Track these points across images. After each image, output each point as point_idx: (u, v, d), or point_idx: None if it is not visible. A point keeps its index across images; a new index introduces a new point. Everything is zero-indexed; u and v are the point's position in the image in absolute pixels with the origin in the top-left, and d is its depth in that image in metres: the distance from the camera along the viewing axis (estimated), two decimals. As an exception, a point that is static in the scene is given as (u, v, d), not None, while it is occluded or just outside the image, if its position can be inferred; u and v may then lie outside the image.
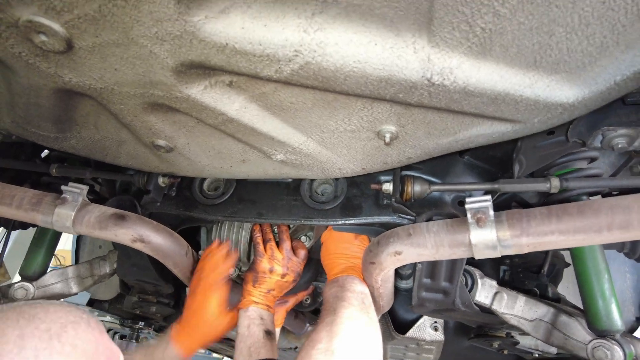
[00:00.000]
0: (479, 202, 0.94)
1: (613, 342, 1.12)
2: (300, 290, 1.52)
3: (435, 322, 1.74)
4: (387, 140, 0.86)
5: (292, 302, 1.47)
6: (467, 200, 0.95)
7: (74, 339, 0.61)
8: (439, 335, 1.75)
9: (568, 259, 1.68)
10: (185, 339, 1.23)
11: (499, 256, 0.96)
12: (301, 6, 0.61)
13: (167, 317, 2.29)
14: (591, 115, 1.02)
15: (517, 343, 1.70)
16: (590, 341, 1.15)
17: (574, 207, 0.91)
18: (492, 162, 1.28)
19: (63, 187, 1.17)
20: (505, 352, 1.86)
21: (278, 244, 1.33)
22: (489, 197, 0.95)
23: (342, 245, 1.28)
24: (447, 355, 2.06)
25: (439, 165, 1.27)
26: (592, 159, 1.23)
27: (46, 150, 1.66)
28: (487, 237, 0.93)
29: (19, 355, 0.55)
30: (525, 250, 0.95)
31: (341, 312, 1.03)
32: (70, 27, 0.66)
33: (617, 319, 1.15)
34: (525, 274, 1.60)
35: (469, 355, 2.10)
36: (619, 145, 1.02)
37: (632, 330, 1.84)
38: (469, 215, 0.94)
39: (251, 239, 1.39)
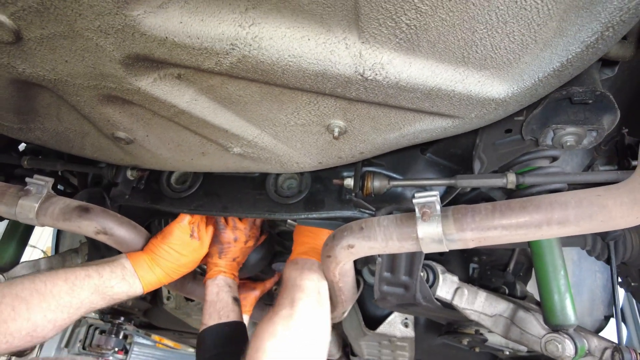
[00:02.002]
0: (426, 197, 0.96)
1: (565, 336, 1.15)
2: (264, 273, 1.56)
3: (406, 319, 1.76)
4: (336, 134, 0.88)
5: (260, 289, 1.51)
6: (416, 195, 0.97)
7: None
8: (410, 332, 1.77)
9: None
10: (147, 271, 1.20)
11: (446, 250, 0.98)
12: (235, 2, 0.64)
13: (146, 311, 2.31)
14: (543, 114, 1.05)
15: (486, 340, 1.73)
16: (544, 335, 1.18)
17: (517, 203, 0.93)
18: (454, 159, 1.31)
19: (27, 180, 1.19)
20: (477, 349, 1.88)
21: None
22: (436, 192, 0.97)
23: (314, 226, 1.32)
24: (421, 352, 2.09)
25: (401, 162, 1.29)
26: (554, 158, 1.26)
27: (23, 144, 1.68)
28: (433, 231, 0.95)
29: None
30: (471, 245, 0.97)
31: (298, 305, 1.07)
32: (17, 18, 0.69)
33: (571, 314, 1.17)
34: (493, 271, 1.63)
35: (443, 353, 2.12)
36: (568, 143, 1.05)
37: (601, 327, 1.87)
38: (416, 210, 0.97)
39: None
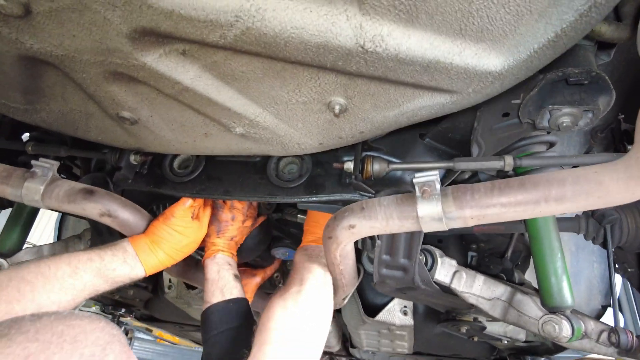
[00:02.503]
0: (426, 176, 0.98)
1: (562, 317, 1.16)
2: (264, 259, 1.58)
3: (405, 306, 1.78)
4: (337, 111, 0.90)
5: (260, 276, 1.53)
6: (416, 175, 0.99)
7: None
8: (408, 320, 1.79)
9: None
10: (149, 253, 1.22)
11: (446, 229, 1.00)
12: (239, -27, 0.65)
13: (147, 302, 2.33)
14: (539, 95, 1.07)
15: (484, 328, 1.75)
16: (541, 317, 1.19)
17: (515, 181, 0.95)
18: (452, 144, 1.33)
19: (33, 162, 1.21)
20: (476, 338, 1.90)
21: None
22: (435, 172, 0.99)
23: (323, 215, 1.36)
24: (420, 343, 2.10)
25: (400, 147, 1.31)
26: (551, 144, 1.28)
27: (27, 134, 1.70)
28: (433, 210, 0.97)
29: None
30: (471, 223, 0.99)
31: (306, 284, 1.16)
32: (27, -9, 0.71)
33: (567, 296, 1.19)
34: (491, 258, 1.64)
35: (441, 343, 2.14)
36: (564, 124, 1.07)
37: (598, 317, 1.89)
38: (416, 189, 0.98)
39: None
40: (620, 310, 2.05)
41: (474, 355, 2.31)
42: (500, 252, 1.66)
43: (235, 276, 1.30)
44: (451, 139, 1.32)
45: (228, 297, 1.22)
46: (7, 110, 1.11)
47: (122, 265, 1.18)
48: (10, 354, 0.52)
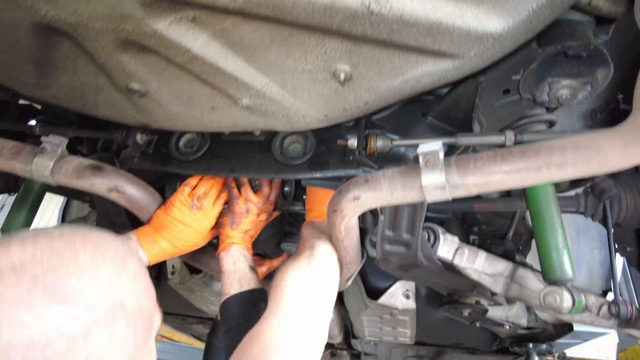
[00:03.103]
0: (430, 147, 1.00)
1: (563, 288, 1.18)
2: (272, 252, 1.58)
3: (407, 290, 1.80)
4: (342, 79, 0.92)
5: (267, 266, 1.54)
6: (420, 146, 1.01)
7: (134, 271, 0.63)
8: (411, 304, 1.81)
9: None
10: (152, 242, 1.24)
11: (449, 198, 1.01)
12: None
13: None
14: (539, 69, 1.10)
15: (486, 311, 1.76)
16: (543, 289, 1.21)
17: (517, 149, 0.97)
18: (454, 123, 1.35)
19: (42, 138, 1.23)
20: (478, 324, 1.91)
21: (255, 189, 1.42)
22: (439, 142, 1.01)
23: (324, 193, 1.37)
24: (422, 330, 2.11)
25: (403, 125, 1.34)
26: (552, 124, 1.31)
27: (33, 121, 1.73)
28: (437, 179, 0.98)
29: (94, 284, 0.56)
30: (474, 191, 1.01)
31: (317, 250, 1.21)
32: (43, -45, 0.73)
33: (568, 269, 1.21)
34: (493, 240, 1.66)
35: (443, 330, 2.15)
36: (564, 97, 1.09)
37: (599, 302, 1.90)
38: (420, 159, 1.00)
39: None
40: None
41: (475, 344, 2.32)
42: (501, 234, 1.68)
43: (252, 268, 1.31)
44: (453, 117, 1.34)
45: (246, 288, 1.23)
46: (18, 85, 1.13)
47: None
48: (38, 248, 0.55)
